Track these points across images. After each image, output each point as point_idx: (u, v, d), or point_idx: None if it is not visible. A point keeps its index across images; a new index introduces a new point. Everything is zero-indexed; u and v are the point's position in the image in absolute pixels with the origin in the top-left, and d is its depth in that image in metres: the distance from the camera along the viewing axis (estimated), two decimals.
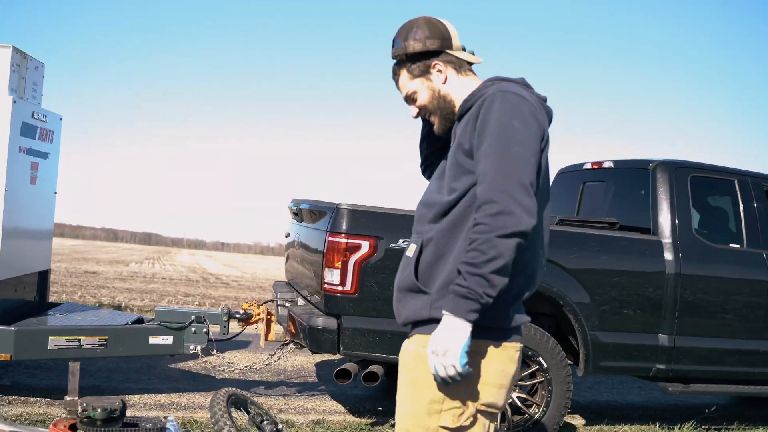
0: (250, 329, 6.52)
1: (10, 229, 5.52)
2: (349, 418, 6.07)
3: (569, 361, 5.85)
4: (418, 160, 2.66)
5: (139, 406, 5.76)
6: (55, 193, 6.48)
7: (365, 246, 5.10)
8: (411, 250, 2.32)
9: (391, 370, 5.16)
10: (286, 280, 7.00)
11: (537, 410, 5.51)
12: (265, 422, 4.08)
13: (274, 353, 6.25)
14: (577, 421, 6.62)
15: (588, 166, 7.14)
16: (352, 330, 5.13)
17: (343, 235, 5.09)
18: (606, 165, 6.86)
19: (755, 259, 6.16)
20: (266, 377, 7.24)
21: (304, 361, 8.09)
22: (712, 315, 5.97)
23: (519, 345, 2.33)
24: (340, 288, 5.10)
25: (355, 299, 5.13)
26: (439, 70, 2.35)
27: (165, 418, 3.69)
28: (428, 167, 2.60)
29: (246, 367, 6.62)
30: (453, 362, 2.05)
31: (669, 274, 5.80)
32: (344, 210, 5.13)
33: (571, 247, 5.65)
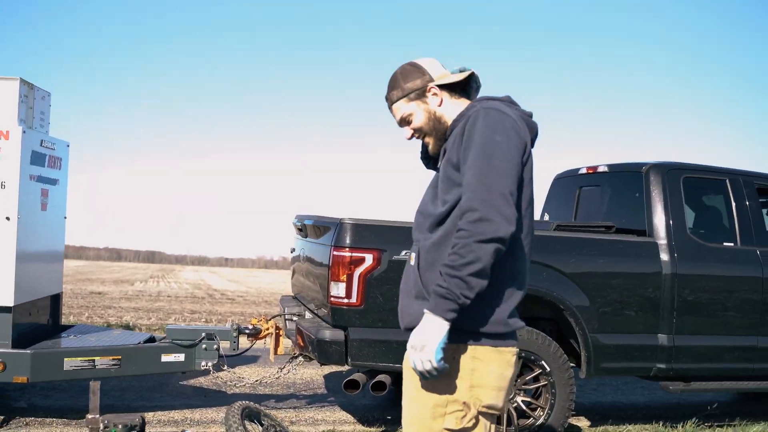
0: (259, 344, 6.65)
1: (24, 255, 5.68)
2: (359, 427, 6.22)
3: (572, 364, 6.00)
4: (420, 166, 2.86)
5: (154, 422, 5.90)
6: (65, 217, 6.64)
7: (369, 259, 5.25)
8: (412, 259, 2.47)
9: (399, 379, 5.29)
10: (292, 294, 7.15)
11: (542, 413, 5.64)
12: None
13: (284, 366, 6.39)
14: (582, 422, 6.75)
15: (584, 170, 7.29)
16: (359, 341, 5.28)
17: (347, 248, 5.24)
18: (601, 169, 7.01)
19: (749, 256, 6.30)
20: (276, 390, 7.39)
21: (312, 374, 8.23)
22: (710, 313, 6.11)
23: (515, 349, 2.46)
24: (346, 300, 5.25)
25: (361, 311, 5.28)
26: (435, 93, 2.51)
27: (183, 431, 3.84)
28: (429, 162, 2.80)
29: (256, 381, 6.77)
30: (429, 357, 2.18)
31: (665, 274, 5.94)
32: (347, 224, 5.28)
33: (569, 251, 5.80)
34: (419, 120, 2.52)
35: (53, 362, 5.58)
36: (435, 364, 2.19)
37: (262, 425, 4.28)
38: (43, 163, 6.01)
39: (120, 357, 5.73)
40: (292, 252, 7.12)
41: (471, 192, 2.23)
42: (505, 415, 5.54)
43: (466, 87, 2.59)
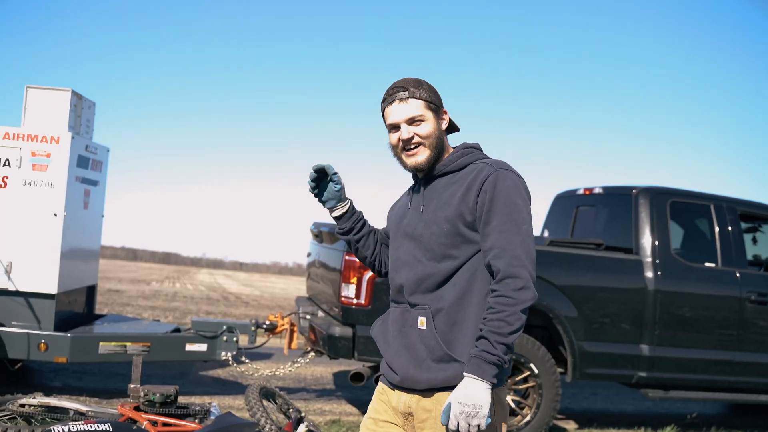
0: (275, 342, 7.24)
1: (67, 248, 6.32)
2: (362, 418, 6.77)
3: (560, 370, 6.56)
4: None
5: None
6: (102, 216, 7.29)
7: None
8: (422, 323, 2.40)
9: None
10: (307, 296, 7.75)
11: (529, 412, 6.19)
12: (291, 410, 4.82)
13: (296, 360, 6.97)
14: (570, 425, 7.27)
15: (581, 191, 7.85)
16: (366, 338, 5.85)
17: None
18: (596, 191, 7.56)
19: (729, 276, 6.82)
20: (288, 384, 7.97)
21: (322, 371, 8.82)
22: (690, 328, 6.63)
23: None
24: (355, 301, 5.84)
25: (368, 311, 5.86)
26: (444, 119, 2.51)
27: (209, 403, 4.44)
28: (382, 263, 2.78)
29: (270, 373, 7.35)
30: (481, 421, 2.21)
31: (649, 290, 6.48)
32: None
33: (560, 265, 6.36)
34: (428, 128, 2.44)
35: (90, 345, 6.21)
36: (484, 426, 2.23)
37: (276, 403, 4.88)
38: (87, 165, 6.66)
39: (149, 344, 6.35)
40: (308, 256, 7.72)
41: (509, 258, 2.27)
42: None
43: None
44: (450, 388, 2.33)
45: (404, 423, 2.49)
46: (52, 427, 3.73)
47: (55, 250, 6.18)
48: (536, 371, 6.15)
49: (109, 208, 7.39)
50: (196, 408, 4.25)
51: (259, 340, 7.50)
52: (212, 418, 4.21)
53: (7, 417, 4.45)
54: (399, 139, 2.46)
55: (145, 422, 4.05)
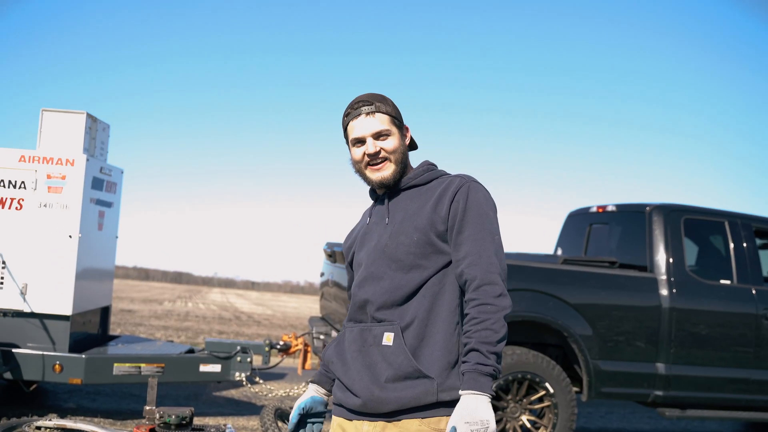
0: (288, 362, 7.24)
1: (82, 270, 6.35)
2: None
3: (576, 389, 6.52)
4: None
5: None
6: (117, 237, 7.32)
7: None
8: (389, 339, 2.28)
9: None
10: (321, 315, 7.74)
11: (545, 431, 6.14)
12: None
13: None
14: None
15: (594, 209, 7.83)
16: None
17: None
18: (609, 209, 7.54)
19: (744, 294, 6.77)
20: None
21: None
22: (705, 346, 6.57)
23: None
24: None
25: None
26: (406, 135, 2.47)
27: (225, 425, 4.42)
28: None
29: (284, 394, 7.34)
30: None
31: (664, 308, 6.44)
32: None
33: (574, 284, 6.33)
34: (394, 143, 2.40)
35: (104, 367, 6.22)
36: None
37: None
38: (101, 187, 6.70)
39: (164, 365, 6.36)
40: (321, 276, 7.72)
41: (487, 265, 2.24)
42: None
43: None
44: (417, 409, 2.22)
45: None
46: None
47: (70, 272, 6.21)
48: (551, 390, 6.12)
49: (121, 227, 7.44)
50: (212, 430, 4.24)
51: (273, 361, 7.48)
52: None
53: None
54: (364, 154, 2.40)
55: None
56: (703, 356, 6.58)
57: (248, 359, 6.60)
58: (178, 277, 57.81)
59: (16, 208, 6.20)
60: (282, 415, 4.82)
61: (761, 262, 7.07)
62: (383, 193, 2.47)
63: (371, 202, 2.59)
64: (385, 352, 2.27)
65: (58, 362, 6.09)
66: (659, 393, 6.44)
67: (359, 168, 2.45)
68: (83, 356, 6.16)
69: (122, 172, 7.32)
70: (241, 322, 20.23)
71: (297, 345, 6.89)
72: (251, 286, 54.63)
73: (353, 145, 2.43)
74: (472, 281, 2.23)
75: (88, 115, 6.49)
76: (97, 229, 6.69)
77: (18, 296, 6.16)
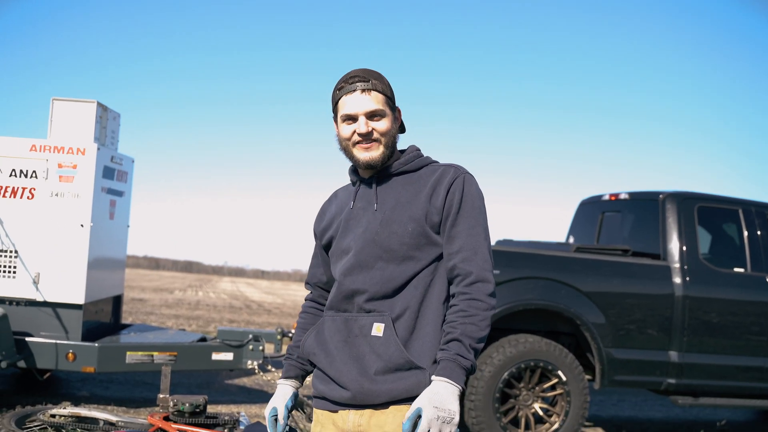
0: None
1: (94, 259, 6.36)
2: None
3: (588, 377, 6.50)
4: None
5: None
6: (128, 226, 7.33)
7: None
8: (379, 330, 2.21)
9: None
10: None
11: (557, 420, 6.13)
12: None
13: None
14: None
15: (606, 197, 7.79)
16: None
17: None
18: (622, 197, 7.50)
19: (758, 282, 6.72)
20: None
21: None
22: (719, 334, 6.54)
23: None
24: None
25: None
26: (398, 118, 2.38)
27: (238, 413, 4.43)
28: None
29: None
30: (454, 429, 2.07)
31: (677, 296, 6.40)
32: None
33: (587, 272, 6.30)
34: (386, 125, 2.29)
35: (117, 355, 6.24)
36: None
37: (305, 413, 4.85)
38: (112, 176, 6.70)
39: (176, 353, 6.37)
40: None
41: (483, 262, 2.22)
42: (523, 420, 6.07)
43: None
44: (409, 399, 2.16)
45: None
46: None
47: (82, 261, 6.22)
48: (564, 378, 6.10)
49: (131, 217, 7.44)
50: (225, 418, 4.26)
51: (285, 349, 7.48)
52: (241, 428, 4.21)
53: (38, 427, 4.48)
54: (354, 132, 2.27)
55: None
56: (717, 344, 6.55)
57: (260, 347, 6.61)
58: (189, 266, 58.02)
59: (28, 198, 6.21)
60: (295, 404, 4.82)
61: None
62: (370, 176, 2.35)
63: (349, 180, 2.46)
64: (373, 343, 2.20)
65: (71, 351, 6.12)
66: (672, 381, 6.42)
67: (346, 146, 2.32)
68: (96, 345, 6.18)
69: (133, 161, 7.32)
70: (252, 311, 20.30)
71: None
72: (261, 274, 54.78)
73: (343, 120, 2.30)
74: (466, 276, 2.20)
75: (99, 104, 6.49)
76: (108, 218, 6.70)
77: (31, 285, 6.18)
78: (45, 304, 6.23)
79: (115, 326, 7.26)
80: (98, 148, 6.31)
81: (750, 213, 6.93)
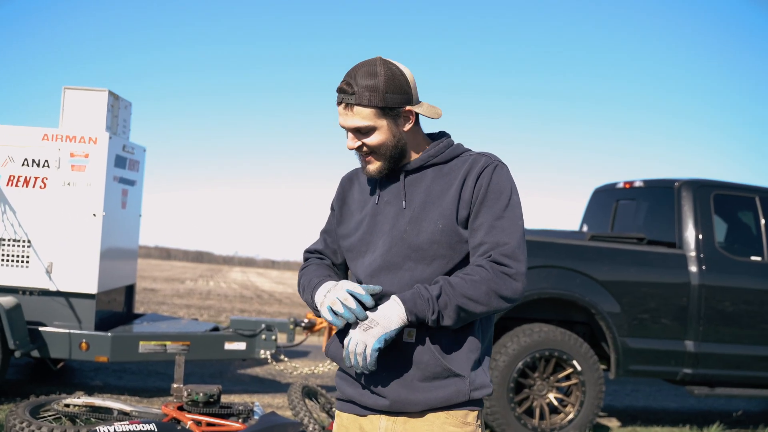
0: (312, 340, 7.22)
1: (106, 248, 6.35)
2: None
3: (603, 367, 6.45)
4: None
5: None
6: (140, 215, 7.31)
7: None
8: (410, 336, 2.05)
9: None
10: None
11: (572, 410, 6.09)
12: (333, 409, 4.78)
13: None
14: (613, 423, 7.16)
15: (621, 185, 7.71)
16: None
17: None
18: (637, 184, 7.42)
19: None
20: (326, 382, 7.94)
21: None
22: (735, 323, 6.48)
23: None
24: None
25: None
26: (407, 117, 2.12)
27: (252, 403, 4.41)
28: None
29: (309, 371, 7.33)
30: (372, 340, 1.94)
31: (693, 285, 6.34)
32: None
33: (602, 260, 6.24)
34: (379, 138, 2.08)
35: (130, 345, 6.23)
36: (369, 350, 1.95)
37: (318, 403, 4.84)
38: (124, 165, 6.68)
39: (189, 343, 6.36)
40: None
41: (517, 248, 2.03)
42: (537, 410, 6.03)
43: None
44: (448, 407, 2.05)
45: None
46: (97, 428, 3.73)
47: (94, 251, 6.20)
48: (579, 368, 6.06)
49: (143, 207, 7.42)
50: (240, 408, 4.24)
51: (298, 338, 7.47)
52: (256, 417, 4.19)
53: (52, 417, 4.47)
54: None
55: (189, 422, 4.04)
56: (733, 334, 6.49)
57: (273, 337, 6.59)
58: (199, 257, 58.15)
59: (40, 187, 6.19)
60: (309, 392, 4.80)
61: None
62: (398, 169, 2.16)
63: None
64: (406, 350, 2.05)
65: (84, 340, 6.11)
66: (688, 371, 6.37)
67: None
68: (109, 334, 6.18)
69: (145, 151, 7.30)
70: (263, 301, 20.31)
71: (321, 323, 6.87)
72: (271, 264, 54.86)
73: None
74: (498, 255, 2.03)
75: (110, 93, 6.46)
76: (120, 207, 6.68)
77: (44, 275, 6.17)
78: (58, 293, 6.22)
79: (128, 316, 7.26)
80: (110, 137, 6.28)
81: (767, 201, 6.85)
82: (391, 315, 1.96)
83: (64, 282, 6.20)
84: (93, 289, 6.21)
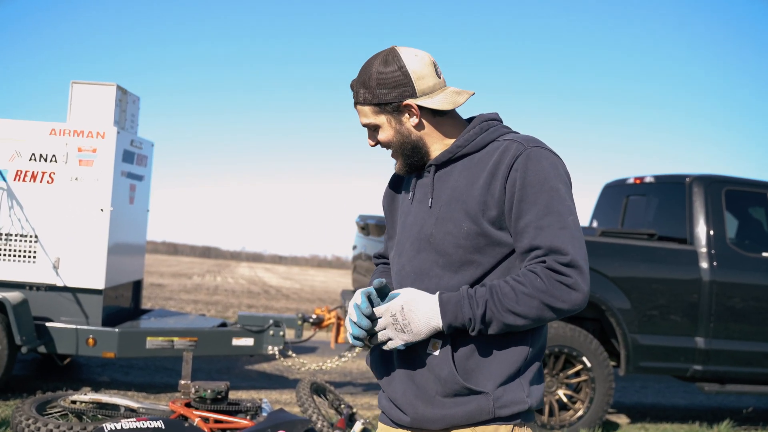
0: (320, 336, 7.19)
1: (114, 243, 6.32)
2: None
3: (613, 363, 6.41)
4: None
5: None
6: (148, 211, 7.29)
7: None
8: (435, 347, 1.89)
9: None
10: (353, 289, 7.68)
11: (581, 406, 6.05)
12: (342, 406, 4.75)
13: (343, 354, 6.92)
14: (622, 419, 7.12)
15: (631, 180, 7.65)
16: None
17: None
18: (647, 180, 7.36)
19: None
20: (335, 378, 7.92)
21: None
22: (746, 319, 6.42)
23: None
24: None
25: None
26: (412, 113, 1.95)
27: (260, 399, 4.38)
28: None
29: (317, 368, 7.30)
30: (400, 342, 1.83)
31: (704, 281, 6.28)
32: None
33: (612, 256, 6.20)
34: (385, 135, 1.98)
35: (137, 340, 6.21)
36: (392, 346, 1.85)
37: (327, 399, 4.81)
38: (132, 160, 6.65)
39: (196, 338, 6.33)
40: (354, 249, 7.65)
41: (574, 252, 1.79)
42: (547, 407, 5.99)
43: None
44: (474, 424, 1.87)
45: None
46: (104, 425, 3.71)
47: (102, 246, 6.18)
48: (589, 365, 6.02)
49: (150, 202, 7.40)
50: (248, 404, 4.21)
51: (306, 334, 7.46)
52: (264, 414, 4.16)
53: (59, 413, 4.45)
54: None
55: (196, 419, 4.01)
56: (744, 330, 6.43)
57: (281, 333, 6.56)
58: (207, 252, 58.16)
59: (48, 182, 6.17)
60: (318, 389, 4.78)
61: None
62: (427, 162, 2.00)
63: None
64: (430, 362, 1.89)
65: (91, 336, 6.09)
66: (698, 367, 6.32)
67: None
68: (116, 330, 6.16)
69: (152, 145, 7.27)
70: (270, 296, 20.29)
71: (330, 318, 6.84)
72: (279, 260, 54.86)
73: None
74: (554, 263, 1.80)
75: (119, 88, 6.43)
76: (128, 202, 6.65)
77: (51, 270, 6.16)
78: (65, 289, 6.21)
79: (135, 311, 7.24)
80: (118, 132, 6.26)
81: None
82: (427, 328, 1.82)
83: (71, 277, 6.18)
84: (100, 285, 6.19)
